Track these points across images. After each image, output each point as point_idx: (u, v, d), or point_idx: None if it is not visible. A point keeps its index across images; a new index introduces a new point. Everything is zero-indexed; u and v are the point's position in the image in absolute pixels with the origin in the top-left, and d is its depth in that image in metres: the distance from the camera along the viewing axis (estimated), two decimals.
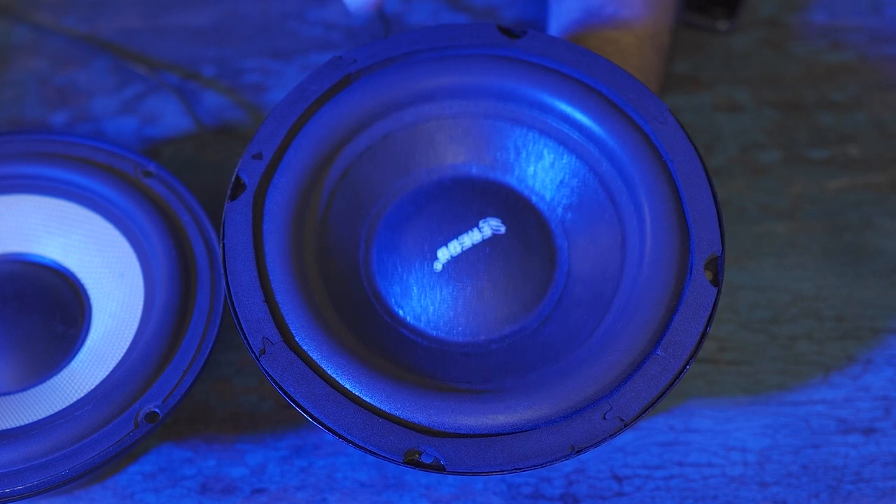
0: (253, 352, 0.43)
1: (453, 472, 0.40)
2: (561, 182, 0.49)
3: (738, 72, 0.64)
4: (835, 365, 0.55)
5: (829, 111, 0.62)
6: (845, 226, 0.59)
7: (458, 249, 0.47)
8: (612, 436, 0.41)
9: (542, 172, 0.49)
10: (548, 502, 0.51)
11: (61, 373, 0.50)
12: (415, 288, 0.47)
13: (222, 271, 0.44)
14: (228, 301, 0.44)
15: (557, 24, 0.57)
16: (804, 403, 0.54)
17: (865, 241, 0.58)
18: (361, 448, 0.41)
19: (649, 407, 0.42)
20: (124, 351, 0.49)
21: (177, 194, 0.52)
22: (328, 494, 0.52)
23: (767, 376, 0.54)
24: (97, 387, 0.48)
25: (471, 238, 0.47)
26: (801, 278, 0.57)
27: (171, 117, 0.62)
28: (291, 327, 0.43)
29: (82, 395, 0.48)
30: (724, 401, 0.54)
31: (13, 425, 0.48)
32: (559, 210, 0.49)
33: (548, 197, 0.49)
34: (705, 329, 0.43)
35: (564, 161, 0.49)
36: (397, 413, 0.42)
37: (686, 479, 0.52)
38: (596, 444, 0.41)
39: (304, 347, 0.43)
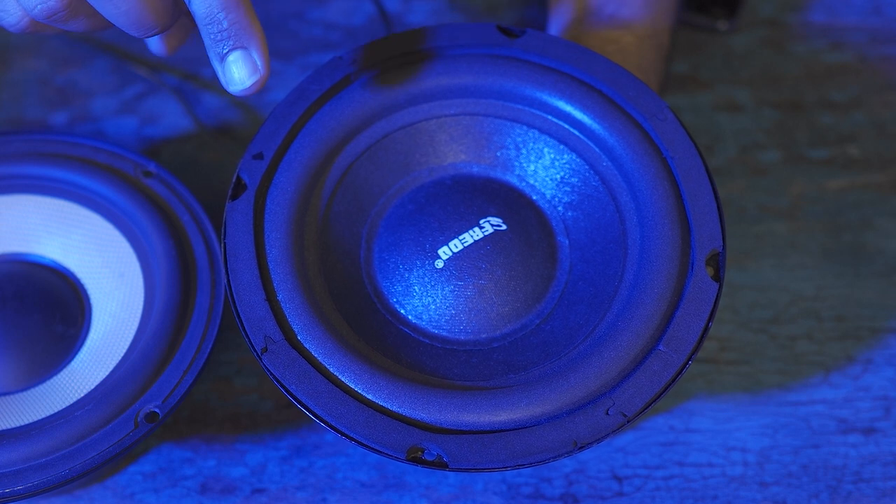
0: (255, 350, 0.43)
1: (456, 469, 0.40)
2: (561, 180, 0.49)
3: (738, 72, 0.64)
4: (835, 365, 0.55)
5: (829, 111, 0.62)
6: (845, 226, 0.59)
7: (460, 247, 0.47)
8: (614, 431, 0.41)
9: (543, 170, 0.49)
10: (548, 502, 0.51)
11: (61, 373, 0.50)
12: (416, 286, 0.47)
13: (223, 270, 0.44)
14: (230, 300, 0.44)
15: (557, 23, 0.57)
16: (804, 403, 0.54)
17: (865, 241, 0.58)
18: (364, 446, 0.41)
19: (652, 402, 0.41)
20: (124, 351, 0.49)
21: (177, 194, 0.52)
22: (328, 494, 0.52)
23: (767, 376, 0.55)
24: (97, 387, 0.48)
25: (472, 236, 0.47)
26: (801, 278, 0.57)
27: (170, 117, 0.62)
28: (293, 326, 0.43)
29: (82, 395, 0.48)
30: (724, 401, 0.54)
31: (13, 425, 0.47)
32: (560, 208, 0.49)
33: (548, 195, 0.50)
34: (707, 324, 0.43)
35: (565, 159, 0.49)
36: (400, 410, 0.42)
37: (686, 479, 0.52)
38: (599, 440, 0.41)
39: (306, 346, 0.43)
